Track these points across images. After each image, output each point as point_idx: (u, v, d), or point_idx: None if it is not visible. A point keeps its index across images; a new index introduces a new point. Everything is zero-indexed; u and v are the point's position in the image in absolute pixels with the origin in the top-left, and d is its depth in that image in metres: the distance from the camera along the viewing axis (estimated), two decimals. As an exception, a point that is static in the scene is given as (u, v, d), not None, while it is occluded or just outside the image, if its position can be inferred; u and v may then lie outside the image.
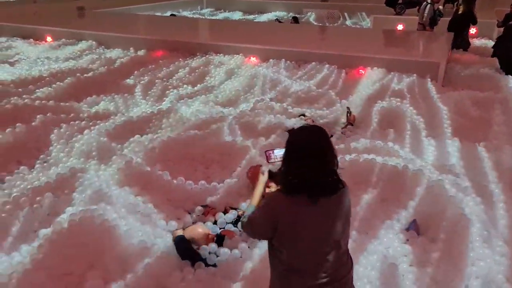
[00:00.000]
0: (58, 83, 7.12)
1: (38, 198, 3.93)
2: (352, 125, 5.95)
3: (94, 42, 10.45)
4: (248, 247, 3.52)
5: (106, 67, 8.28)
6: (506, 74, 8.44)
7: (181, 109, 6.33)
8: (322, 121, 6.21)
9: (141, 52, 9.69)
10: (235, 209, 4.02)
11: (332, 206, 2.03)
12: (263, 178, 2.39)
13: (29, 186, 4.18)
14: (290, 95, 7.05)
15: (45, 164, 4.79)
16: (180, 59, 9.25)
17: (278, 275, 2.14)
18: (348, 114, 6.06)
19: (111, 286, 3.03)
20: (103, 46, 10.34)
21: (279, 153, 2.36)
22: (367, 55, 8.50)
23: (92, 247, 3.31)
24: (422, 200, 4.01)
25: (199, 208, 4.07)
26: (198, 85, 7.72)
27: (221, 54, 9.33)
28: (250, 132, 5.55)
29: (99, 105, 6.59)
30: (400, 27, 12.41)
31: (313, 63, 8.72)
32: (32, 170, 4.66)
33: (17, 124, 5.31)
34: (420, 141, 5.39)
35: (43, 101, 6.20)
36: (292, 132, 2.14)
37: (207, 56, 9.35)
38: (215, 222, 3.89)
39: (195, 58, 9.28)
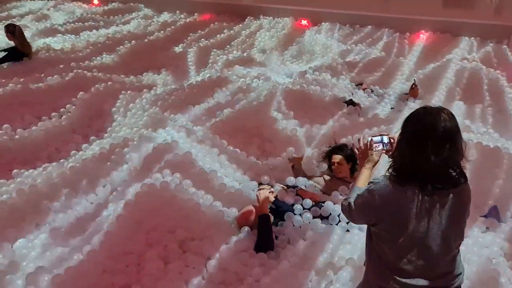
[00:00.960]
0: (106, 53, 7.02)
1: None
2: (414, 98, 5.51)
3: (141, 5, 10.25)
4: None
5: (156, 33, 8.05)
6: None
7: (231, 77, 6.06)
8: (381, 91, 5.86)
9: (188, 16, 9.45)
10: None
11: (448, 202, 1.79)
12: (374, 157, 2.23)
13: (84, 157, 4.20)
14: (346, 63, 6.60)
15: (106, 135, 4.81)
16: (227, 23, 8.91)
17: (376, 269, 1.97)
18: (414, 86, 5.58)
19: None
20: (149, 9, 10.13)
21: (379, 140, 2.32)
22: (429, 18, 7.81)
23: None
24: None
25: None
26: (248, 50, 7.42)
27: (270, 17, 8.93)
28: (302, 107, 5.13)
29: (149, 74, 6.44)
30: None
31: (369, 27, 8.19)
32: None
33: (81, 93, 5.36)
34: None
35: (94, 71, 6.09)
36: (414, 113, 1.87)
37: (255, 19, 8.99)
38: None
39: (244, 22, 8.93)
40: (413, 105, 5.17)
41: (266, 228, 3.25)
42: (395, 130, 4.28)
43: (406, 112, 5.01)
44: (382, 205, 1.83)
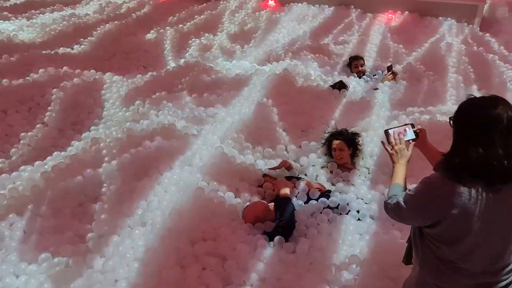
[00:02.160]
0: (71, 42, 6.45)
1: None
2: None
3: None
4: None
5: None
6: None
7: (208, 61, 5.80)
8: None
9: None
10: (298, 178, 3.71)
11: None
12: (408, 152, 2.14)
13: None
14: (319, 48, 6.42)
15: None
16: (191, 5, 8.51)
17: (434, 270, 1.86)
18: (389, 71, 5.55)
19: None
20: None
21: (403, 131, 2.23)
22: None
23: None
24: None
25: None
26: (219, 33, 7.13)
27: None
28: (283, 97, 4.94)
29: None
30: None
31: (337, 6, 8.12)
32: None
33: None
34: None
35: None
36: (468, 105, 1.77)
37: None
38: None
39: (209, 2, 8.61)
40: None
41: (286, 209, 3.17)
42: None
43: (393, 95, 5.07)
44: (443, 206, 1.72)
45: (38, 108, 4.73)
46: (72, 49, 6.19)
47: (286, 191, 3.38)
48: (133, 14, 7.62)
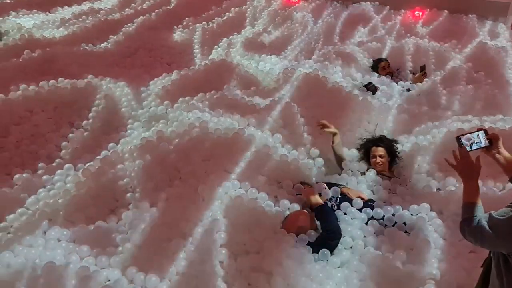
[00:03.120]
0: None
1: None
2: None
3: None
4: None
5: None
6: None
7: (236, 59, 5.63)
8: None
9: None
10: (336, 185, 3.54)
11: None
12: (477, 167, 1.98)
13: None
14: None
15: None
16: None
17: None
18: (422, 71, 5.34)
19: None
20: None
21: (473, 138, 2.11)
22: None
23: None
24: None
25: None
26: (242, 31, 6.92)
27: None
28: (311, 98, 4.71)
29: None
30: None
31: (363, 3, 7.89)
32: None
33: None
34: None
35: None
36: None
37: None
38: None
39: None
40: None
41: (327, 216, 3.05)
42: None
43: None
44: None
45: (64, 107, 4.59)
46: (94, 45, 6.03)
47: (317, 199, 3.24)
48: (156, 10, 7.40)
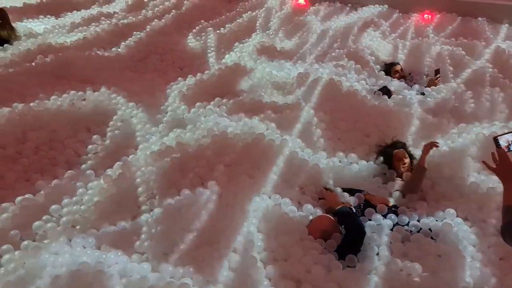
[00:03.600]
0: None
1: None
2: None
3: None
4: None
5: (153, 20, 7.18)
6: None
7: (249, 64, 5.62)
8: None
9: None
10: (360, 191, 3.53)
11: None
12: None
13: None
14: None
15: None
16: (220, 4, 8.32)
17: None
18: (437, 75, 5.31)
19: None
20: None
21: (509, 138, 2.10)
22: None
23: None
24: None
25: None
26: (253, 35, 6.90)
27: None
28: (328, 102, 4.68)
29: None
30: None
31: (372, 6, 7.89)
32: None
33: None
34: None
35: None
36: None
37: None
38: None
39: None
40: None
41: (351, 219, 3.02)
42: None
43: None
44: None
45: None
46: (105, 50, 6.03)
47: (339, 203, 3.26)
48: (167, 15, 7.39)
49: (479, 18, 7.22)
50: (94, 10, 7.76)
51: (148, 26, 6.76)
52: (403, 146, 3.88)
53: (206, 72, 5.33)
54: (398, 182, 3.63)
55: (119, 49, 6.09)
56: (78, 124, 4.39)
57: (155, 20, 7.07)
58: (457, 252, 2.82)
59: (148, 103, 4.71)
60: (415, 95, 5.03)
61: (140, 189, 3.49)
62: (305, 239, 2.98)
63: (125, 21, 7.01)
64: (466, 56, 5.86)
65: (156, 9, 7.73)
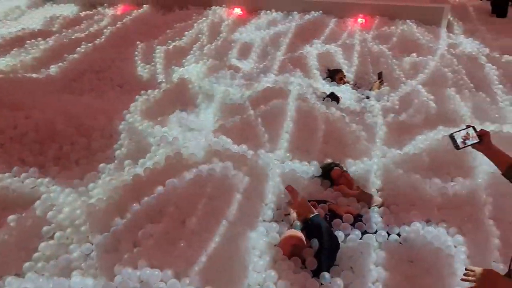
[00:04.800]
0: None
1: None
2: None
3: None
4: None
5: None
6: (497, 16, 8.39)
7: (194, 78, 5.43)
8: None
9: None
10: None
11: None
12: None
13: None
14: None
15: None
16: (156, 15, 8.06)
17: None
18: (380, 78, 5.48)
19: None
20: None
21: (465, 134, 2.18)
22: (365, 2, 7.90)
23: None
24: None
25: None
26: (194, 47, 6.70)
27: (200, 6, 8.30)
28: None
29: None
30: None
31: (306, 13, 7.98)
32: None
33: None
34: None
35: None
36: None
37: (181, 9, 8.32)
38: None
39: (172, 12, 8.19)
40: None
41: (322, 228, 2.90)
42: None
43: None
44: None
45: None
46: (35, 72, 5.57)
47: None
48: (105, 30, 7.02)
49: (408, 21, 7.52)
50: (14, 28, 7.21)
51: (83, 44, 6.36)
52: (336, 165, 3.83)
53: (156, 90, 5.07)
54: None
55: (49, 70, 5.66)
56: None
57: (89, 36, 6.70)
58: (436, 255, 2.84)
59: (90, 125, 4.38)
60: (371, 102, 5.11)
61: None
62: (279, 260, 2.85)
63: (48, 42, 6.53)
64: (407, 58, 6.07)
65: (91, 28, 7.33)
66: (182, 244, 2.79)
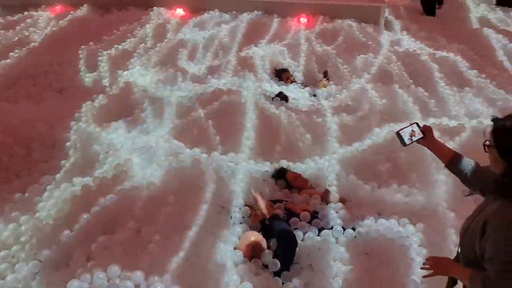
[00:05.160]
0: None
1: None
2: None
3: None
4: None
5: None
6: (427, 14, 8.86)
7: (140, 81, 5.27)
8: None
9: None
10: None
11: None
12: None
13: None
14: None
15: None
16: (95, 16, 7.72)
17: None
18: (325, 77, 5.62)
19: None
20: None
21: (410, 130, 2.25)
22: (306, 1, 8.04)
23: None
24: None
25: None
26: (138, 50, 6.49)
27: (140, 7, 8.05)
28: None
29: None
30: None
31: (250, 12, 7.99)
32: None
33: None
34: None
35: None
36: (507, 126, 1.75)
37: (120, 9, 8.04)
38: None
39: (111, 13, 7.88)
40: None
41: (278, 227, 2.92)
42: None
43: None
44: None
45: None
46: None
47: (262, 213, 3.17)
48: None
49: (348, 20, 7.73)
50: None
51: (16, 48, 5.98)
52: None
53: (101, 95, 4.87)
54: None
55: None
56: None
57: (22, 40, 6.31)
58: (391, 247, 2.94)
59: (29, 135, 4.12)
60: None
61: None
62: (240, 264, 2.83)
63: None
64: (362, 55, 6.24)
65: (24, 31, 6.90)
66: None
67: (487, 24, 8.02)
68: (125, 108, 4.72)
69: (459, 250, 2.01)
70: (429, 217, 3.18)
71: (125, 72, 5.59)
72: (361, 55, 6.23)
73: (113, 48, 6.33)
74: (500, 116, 1.84)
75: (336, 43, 6.76)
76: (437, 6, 8.97)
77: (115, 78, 5.45)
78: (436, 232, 3.04)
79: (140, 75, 5.49)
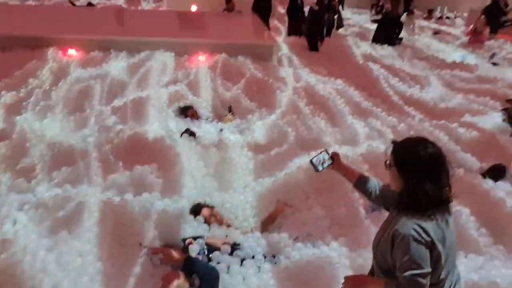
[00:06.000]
0: None
1: None
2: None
3: None
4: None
5: None
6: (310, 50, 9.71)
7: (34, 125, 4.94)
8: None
9: None
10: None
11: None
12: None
13: None
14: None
15: None
16: None
17: None
18: (230, 112, 5.85)
19: None
20: None
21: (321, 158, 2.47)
22: (204, 41, 8.32)
23: None
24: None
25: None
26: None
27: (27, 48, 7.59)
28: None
29: None
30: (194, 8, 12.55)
31: (147, 51, 8.01)
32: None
33: None
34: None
35: None
36: (410, 147, 1.99)
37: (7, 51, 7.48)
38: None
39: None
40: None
41: (196, 265, 2.94)
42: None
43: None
44: (430, 246, 1.89)
45: None
46: None
47: (178, 256, 3.11)
48: None
49: (239, 57, 8.15)
50: None
51: None
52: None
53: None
54: None
55: None
56: None
57: None
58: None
59: None
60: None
61: None
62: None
63: None
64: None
65: None
66: None
67: (371, 59, 9.14)
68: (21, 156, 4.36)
69: (374, 262, 2.23)
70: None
71: (18, 117, 5.20)
72: (261, 90, 6.59)
73: (6, 93, 5.88)
74: (398, 139, 2.12)
75: (237, 78, 7.04)
76: (319, 43, 9.87)
77: (11, 124, 5.03)
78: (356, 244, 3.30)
79: (35, 120, 5.15)
